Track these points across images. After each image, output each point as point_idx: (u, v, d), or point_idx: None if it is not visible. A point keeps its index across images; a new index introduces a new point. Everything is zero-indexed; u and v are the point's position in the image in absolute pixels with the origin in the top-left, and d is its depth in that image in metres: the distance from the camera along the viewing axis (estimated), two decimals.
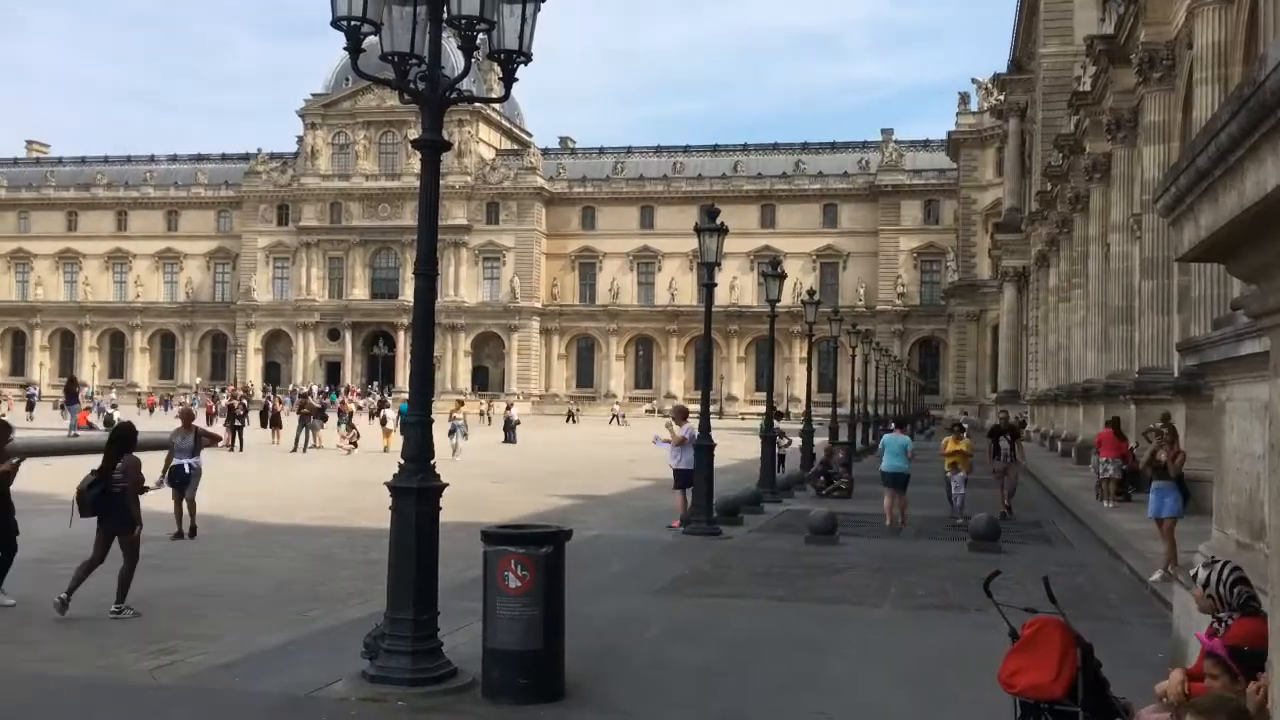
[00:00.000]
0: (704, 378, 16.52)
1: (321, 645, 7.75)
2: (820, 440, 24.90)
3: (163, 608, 8.95)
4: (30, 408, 51.18)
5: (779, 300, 21.01)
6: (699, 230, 15.21)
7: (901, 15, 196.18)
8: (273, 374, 80.00)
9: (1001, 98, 56.11)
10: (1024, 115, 51.06)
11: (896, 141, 77.63)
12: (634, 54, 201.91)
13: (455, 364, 77.43)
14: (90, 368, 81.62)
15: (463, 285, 77.83)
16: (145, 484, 9.03)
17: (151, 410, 57.50)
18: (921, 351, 75.00)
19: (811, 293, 27.42)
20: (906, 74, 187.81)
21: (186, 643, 7.73)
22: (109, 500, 8.57)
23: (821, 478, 20.38)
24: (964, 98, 66.94)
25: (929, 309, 73.73)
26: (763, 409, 26.65)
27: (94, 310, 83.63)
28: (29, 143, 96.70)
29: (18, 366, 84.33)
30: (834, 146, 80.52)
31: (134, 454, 8.91)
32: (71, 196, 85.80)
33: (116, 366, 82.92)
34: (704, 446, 14.56)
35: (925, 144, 76.91)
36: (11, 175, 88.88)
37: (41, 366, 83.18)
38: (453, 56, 6.76)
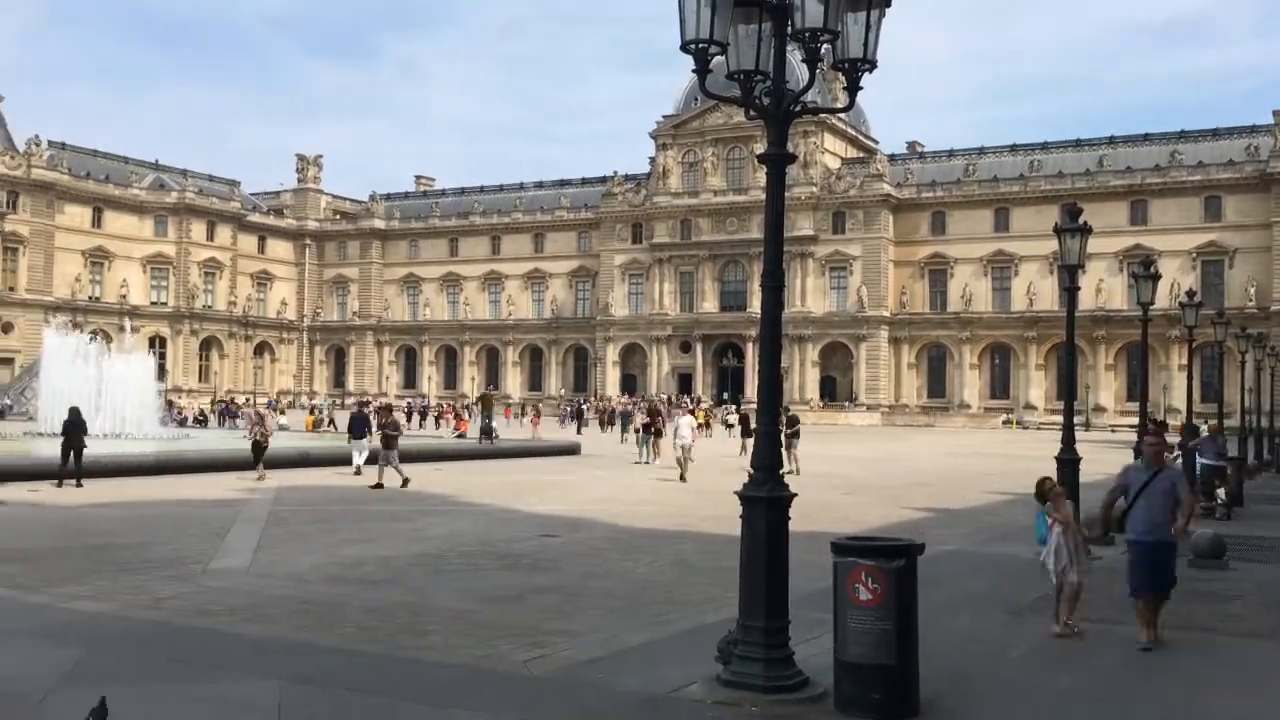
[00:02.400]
0: (1067, 387, 15.54)
1: (678, 647, 8.02)
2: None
3: (535, 605, 9.61)
4: (422, 416, 56.98)
5: (1152, 303, 19.45)
6: (1059, 231, 14.36)
7: None
8: (629, 385, 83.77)
9: None
10: None
11: None
12: (984, 55, 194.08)
13: (803, 374, 77.64)
14: (470, 380, 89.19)
15: (809, 296, 77.93)
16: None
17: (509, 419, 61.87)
18: None
19: (1191, 294, 25.08)
20: None
21: (555, 638, 8.25)
22: None
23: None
24: None
25: None
26: (1135, 420, 24.66)
27: (473, 328, 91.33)
28: (417, 177, 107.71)
29: (409, 379, 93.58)
30: (1216, 133, 73.32)
31: None
32: (453, 224, 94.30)
33: (493, 379, 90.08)
34: (1069, 460, 13.72)
35: None
36: (403, 207, 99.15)
37: (429, 380, 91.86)
38: (797, 70, 6.82)
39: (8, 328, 75.85)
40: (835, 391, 78.09)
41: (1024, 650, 8.22)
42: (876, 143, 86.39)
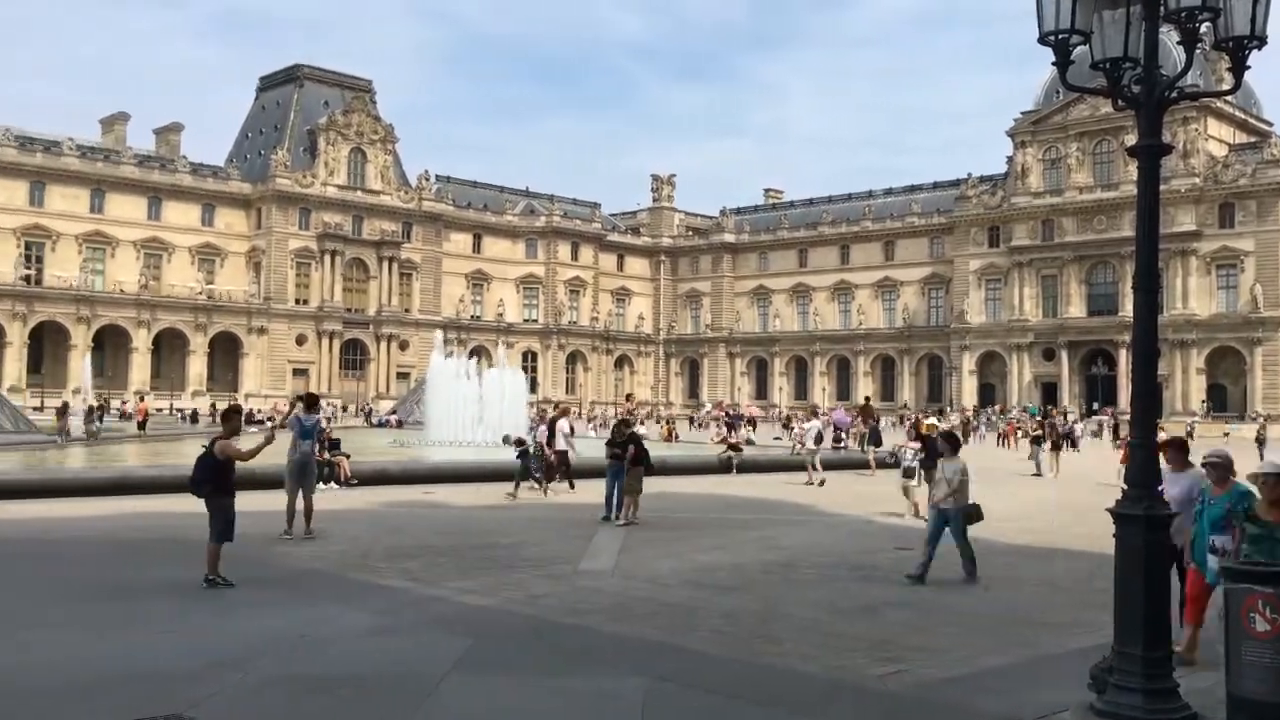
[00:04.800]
0: None
1: (1043, 671, 7.61)
2: None
3: (890, 619, 9.44)
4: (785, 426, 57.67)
5: None
6: None
7: None
8: (988, 395, 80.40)
9: None
10: None
11: None
12: None
13: (1185, 382, 71.12)
14: (820, 391, 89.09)
15: (1192, 297, 71.33)
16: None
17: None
18: None
19: None
20: None
21: (911, 653, 8.07)
22: None
23: None
24: None
25: None
26: None
27: (823, 338, 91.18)
28: (766, 190, 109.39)
29: (761, 390, 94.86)
30: None
31: None
32: (802, 235, 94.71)
33: (843, 389, 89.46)
34: None
35: None
36: (753, 221, 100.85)
37: (780, 390, 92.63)
38: (1173, 52, 6.30)
39: (404, 345, 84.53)
40: (1225, 401, 70.89)
41: None
42: (1270, 124, 77.87)
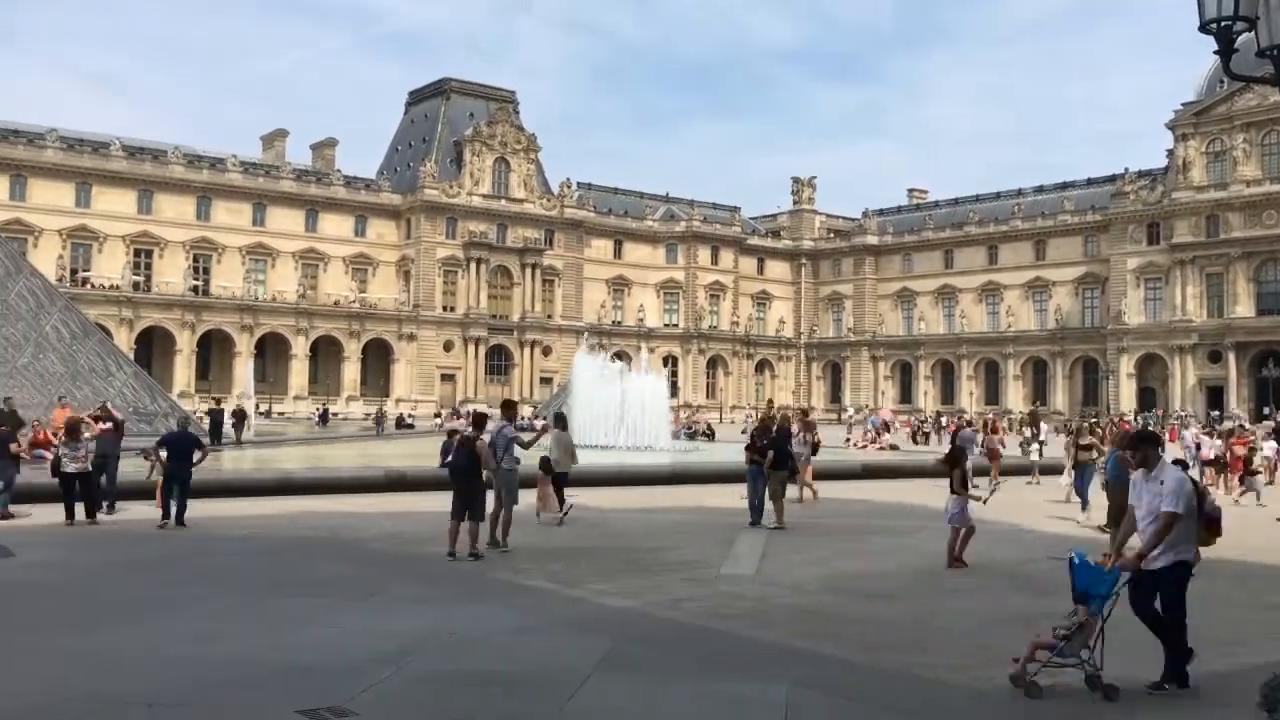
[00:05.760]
0: None
1: (1210, 689, 7.24)
2: None
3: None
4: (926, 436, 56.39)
5: None
6: None
7: None
8: (1147, 399, 77.04)
9: None
10: None
11: None
12: None
13: None
14: (968, 395, 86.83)
15: None
16: None
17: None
18: None
19: None
20: None
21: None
22: None
23: None
24: None
25: None
26: None
27: (970, 340, 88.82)
28: (910, 191, 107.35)
29: (905, 394, 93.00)
30: None
31: None
32: (947, 236, 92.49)
33: (991, 393, 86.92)
34: None
35: None
36: (896, 222, 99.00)
37: (925, 395, 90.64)
38: None
39: (547, 351, 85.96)
40: None
41: None
42: None
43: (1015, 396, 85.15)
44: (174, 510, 15.23)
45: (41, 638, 8.35)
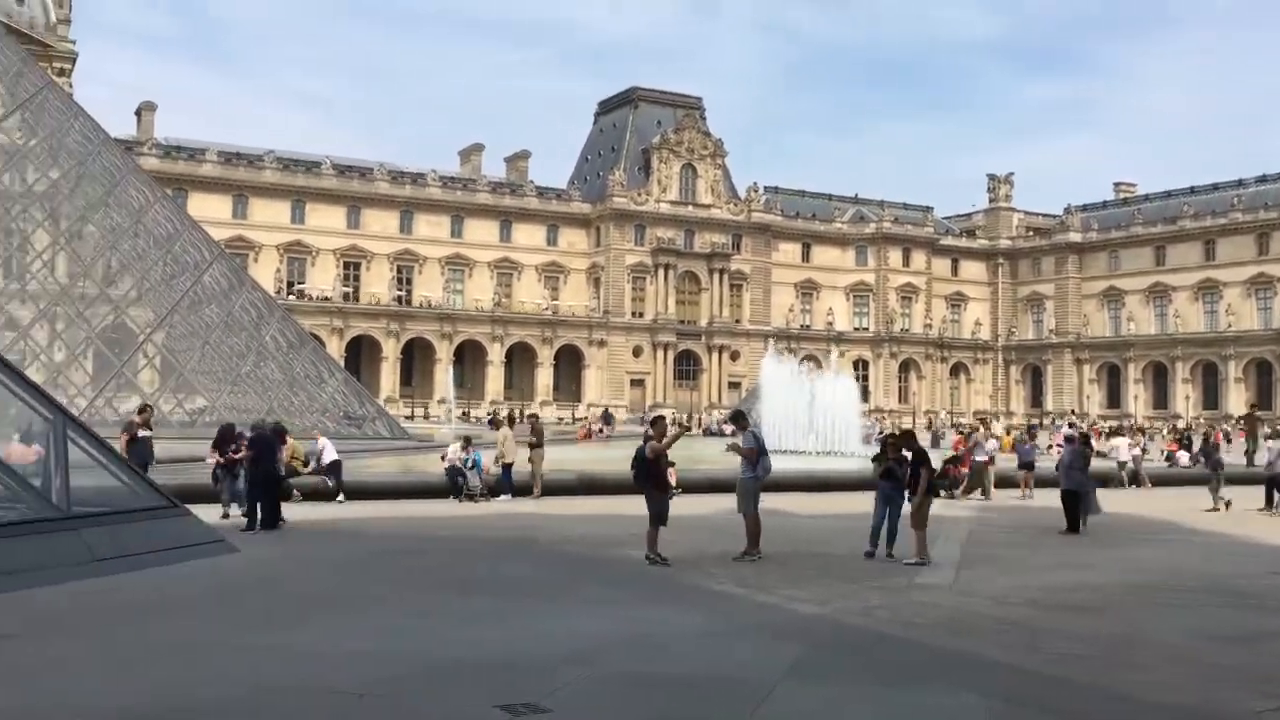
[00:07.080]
0: None
1: None
2: None
3: (1269, 650, 8.51)
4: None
5: None
6: None
7: None
8: None
9: None
10: None
11: None
12: None
13: None
14: (1184, 399, 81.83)
15: None
16: None
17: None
18: None
19: None
20: None
21: None
22: None
23: None
24: None
25: None
26: None
27: (1185, 342, 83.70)
28: (1116, 185, 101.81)
29: (1113, 399, 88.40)
30: None
31: None
32: (1158, 231, 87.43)
33: (1210, 397, 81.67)
34: None
35: None
36: (1100, 218, 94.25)
37: (1135, 399, 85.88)
38: None
39: (735, 355, 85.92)
40: None
41: None
42: None
43: (1236, 400, 79.64)
44: (259, 515, 14.62)
45: (257, 635, 8.87)
